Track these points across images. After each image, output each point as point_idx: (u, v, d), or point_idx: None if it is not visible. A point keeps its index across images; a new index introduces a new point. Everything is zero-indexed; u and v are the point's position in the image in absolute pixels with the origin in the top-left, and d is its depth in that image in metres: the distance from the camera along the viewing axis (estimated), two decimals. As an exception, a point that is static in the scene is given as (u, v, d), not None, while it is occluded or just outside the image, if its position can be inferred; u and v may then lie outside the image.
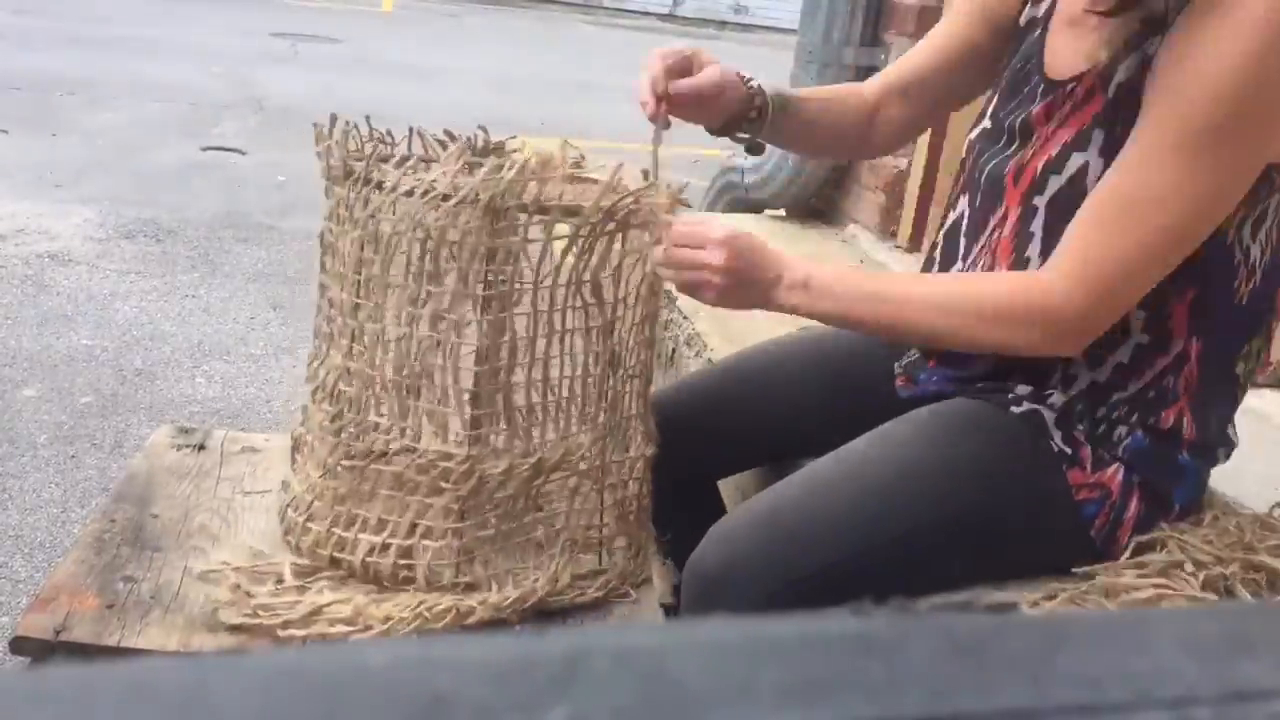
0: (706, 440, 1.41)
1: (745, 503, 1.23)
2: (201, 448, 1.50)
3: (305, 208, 4.50)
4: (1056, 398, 1.20)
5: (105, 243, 3.89)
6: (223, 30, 8.72)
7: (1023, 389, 1.21)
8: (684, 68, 1.28)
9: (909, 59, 1.43)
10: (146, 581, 1.21)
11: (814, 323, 1.23)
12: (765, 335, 1.61)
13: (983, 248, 1.24)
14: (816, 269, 1.17)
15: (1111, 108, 1.13)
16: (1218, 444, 1.24)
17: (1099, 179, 1.12)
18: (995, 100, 1.30)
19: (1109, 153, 1.12)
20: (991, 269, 1.22)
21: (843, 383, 1.41)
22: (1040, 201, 1.17)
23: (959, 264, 1.27)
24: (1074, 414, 1.19)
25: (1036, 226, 1.18)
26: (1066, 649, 0.25)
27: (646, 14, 13.71)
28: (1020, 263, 1.19)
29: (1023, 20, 1.31)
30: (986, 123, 1.29)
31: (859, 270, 1.24)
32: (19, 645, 1.12)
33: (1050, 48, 1.24)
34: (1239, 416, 1.29)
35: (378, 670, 0.23)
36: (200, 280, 3.65)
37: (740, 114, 1.34)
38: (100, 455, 2.52)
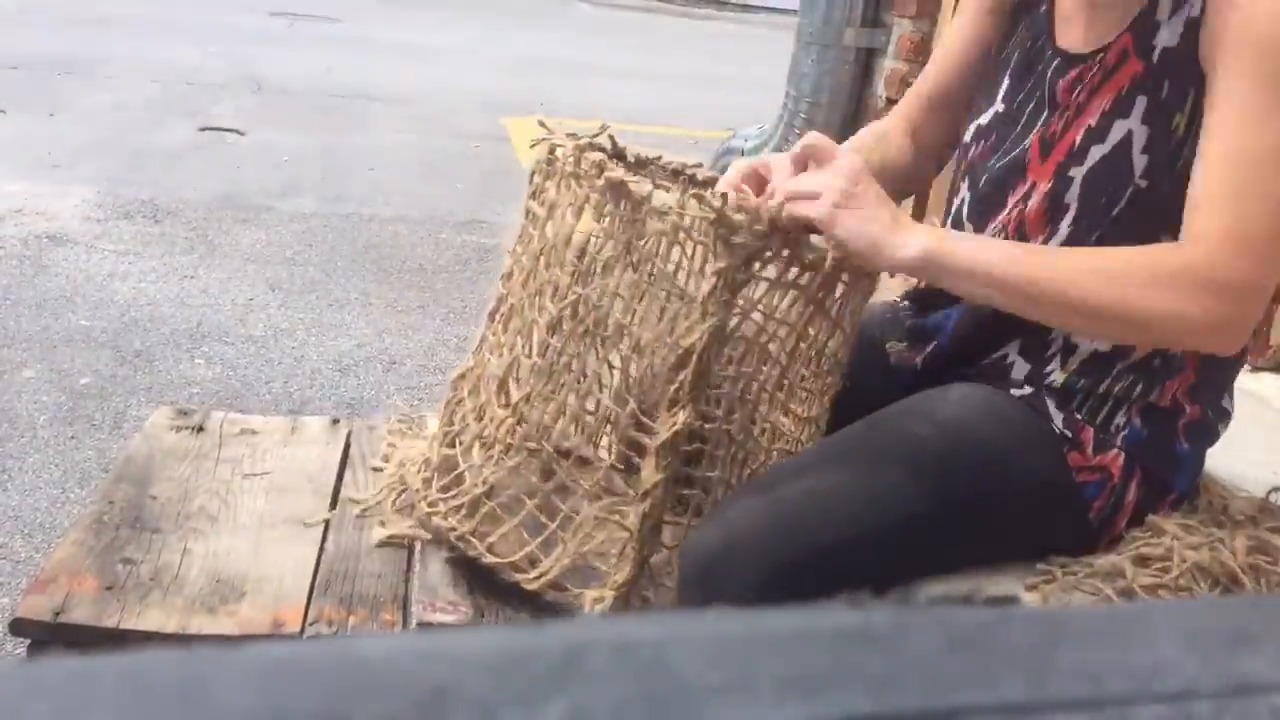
0: None
1: (746, 483, 1.23)
2: (200, 429, 1.50)
3: (304, 188, 4.49)
4: (1056, 375, 1.20)
5: (103, 223, 3.88)
6: (221, 9, 8.68)
7: (1020, 366, 1.22)
8: (757, 183, 1.23)
9: (927, 74, 1.43)
10: (146, 563, 1.21)
11: None
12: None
13: (1000, 227, 1.24)
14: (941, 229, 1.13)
15: (1155, 73, 1.12)
16: (1215, 423, 1.25)
17: (1145, 147, 1.12)
18: (1006, 83, 1.29)
19: (1153, 118, 1.12)
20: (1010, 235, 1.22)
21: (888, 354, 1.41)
22: (1078, 172, 1.16)
23: None
24: (1074, 392, 1.20)
25: (1071, 198, 1.17)
26: (1066, 643, 0.25)
27: (646, -6, 13.63)
28: (1052, 236, 1.18)
29: None
30: (999, 106, 1.28)
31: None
32: (18, 627, 1.13)
33: (1060, 20, 1.24)
34: (1239, 398, 1.29)
35: (377, 662, 0.23)
36: (199, 261, 3.64)
37: None
38: (99, 436, 2.52)
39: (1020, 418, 1.19)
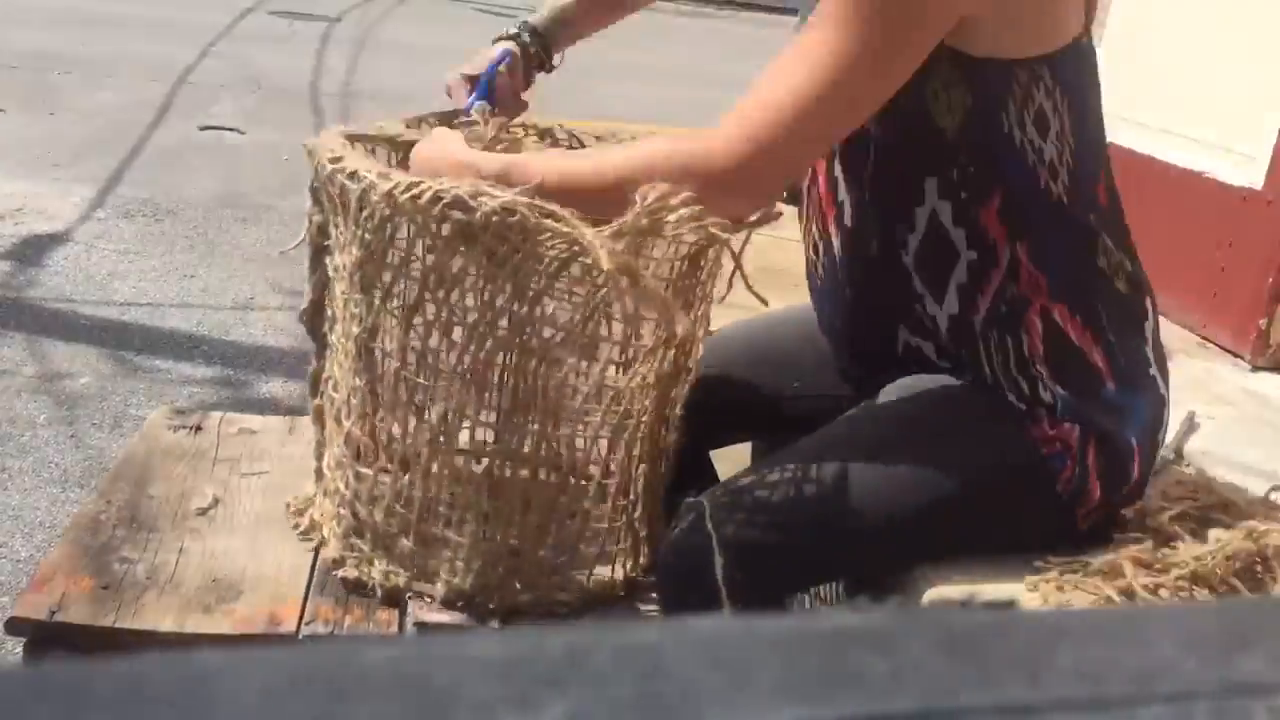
0: (696, 412, 1.41)
1: (724, 482, 1.24)
2: (198, 429, 1.50)
3: (304, 187, 4.48)
4: (944, 340, 1.21)
5: (103, 222, 3.88)
6: (220, 8, 8.67)
7: (926, 346, 1.23)
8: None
9: None
10: (142, 563, 1.21)
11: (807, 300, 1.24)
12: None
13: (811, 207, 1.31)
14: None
15: None
16: (1140, 368, 1.22)
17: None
18: None
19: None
20: (820, 226, 1.28)
21: (832, 357, 1.42)
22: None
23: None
24: (975, 367, 1.20)
25: (838, 161, 1.25)
26: (1066, 644, 0.25)
27: (646, -7, 13.62)
28: (838, 203, 1.25)
29: None
30: None
31: None
32: (14, 626, 1.12)
33: None
34: (1239, 397, 1.29)
35: (377, 667, 0.23)
36: (199, 260, 3.64)
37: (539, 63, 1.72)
38: (99, 435, 2.52)
39: (980, 399, 1.20)
